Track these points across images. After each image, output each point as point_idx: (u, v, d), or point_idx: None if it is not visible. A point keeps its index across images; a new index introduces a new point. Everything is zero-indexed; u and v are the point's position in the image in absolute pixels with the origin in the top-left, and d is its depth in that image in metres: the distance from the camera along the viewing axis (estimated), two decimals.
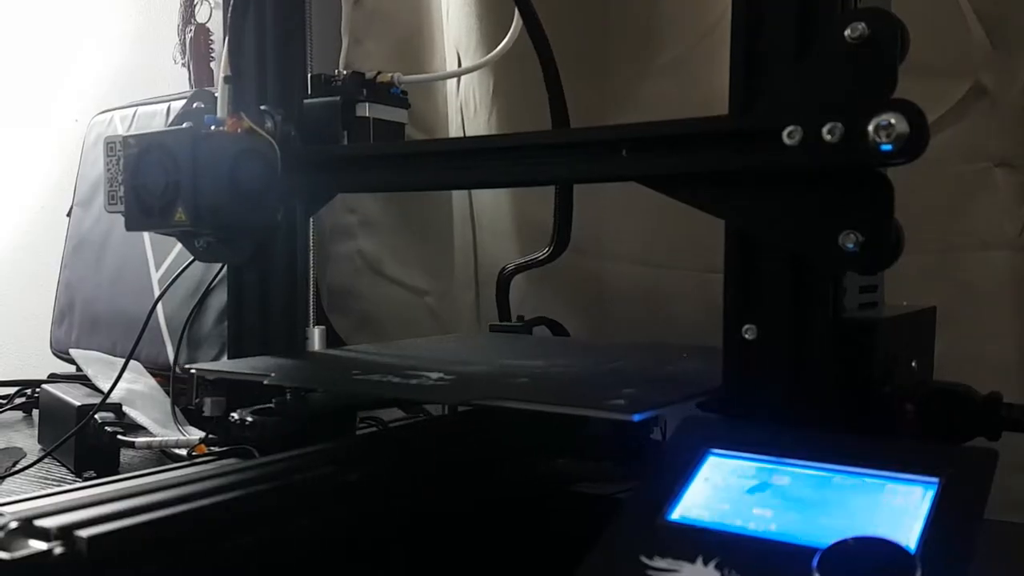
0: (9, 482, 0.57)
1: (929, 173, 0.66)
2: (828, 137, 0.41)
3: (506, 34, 0.80)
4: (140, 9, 1.45)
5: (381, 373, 0.54)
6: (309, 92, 0.69)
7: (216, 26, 1.20)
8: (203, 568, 0.39)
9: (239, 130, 0.60)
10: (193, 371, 0.69)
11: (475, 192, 0.97)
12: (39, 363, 1.20)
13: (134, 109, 1.19)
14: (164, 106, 1.15)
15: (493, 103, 0.91)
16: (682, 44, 0.81)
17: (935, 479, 0.38)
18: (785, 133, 0.42)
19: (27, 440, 0.77)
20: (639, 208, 0.81)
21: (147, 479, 0.43)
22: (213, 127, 0.60)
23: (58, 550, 0.34)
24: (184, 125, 0.63)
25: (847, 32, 0.42)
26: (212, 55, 1.22)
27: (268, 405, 0.57)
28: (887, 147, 0.40)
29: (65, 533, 0.35)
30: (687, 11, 0.81)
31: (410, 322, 1.02)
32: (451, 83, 0.99)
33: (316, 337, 0.73)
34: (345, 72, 0.69)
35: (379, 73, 0.70)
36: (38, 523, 0.35)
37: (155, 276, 1.04)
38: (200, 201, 0.58)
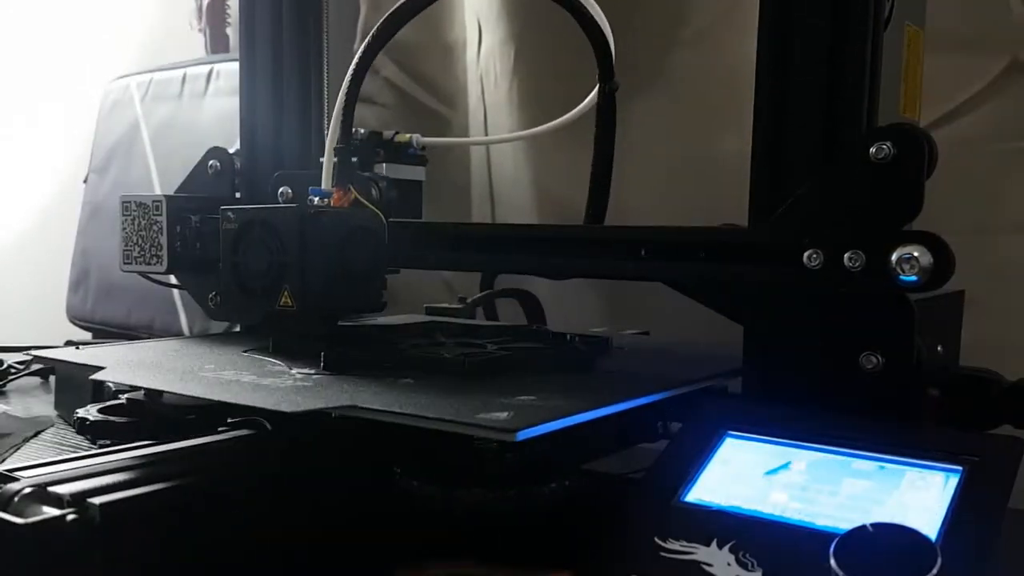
0: (25, 447, 0.57)
1: (963, 152, 0.64)
2: (849, 264, 0.41)
3: (526, 3, 0.79)
4: None
5: (243, 369, 0.48)
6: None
7: None
8: (214, 537, 0.39)
9: (346, 204, 0.55)
10: (31, 356, 0.61)
11: (495, 167, 0.96)
12: (56, 329, 1.21)
13: (150, 75, 1.18)
14: (180, 72, 1.15)
15: (514, 74, 0.90)
16: (708, 15, 0.79)
17: (959, 467, 0.37)
18: (806, 256, 0.42)
19: (44, 406, 0.78)
20: (661, 181, 0.80)
21: (160, 448, 0.43)
22: (317, 199, 0.55)
23: (71, 516, 0.34)
24: (282, 193, 0.61)
25: (872, 151, 0.42)
26: (228, 21, 1.21)
27: (120, 401, 0.53)
28: (910, 279, 0.40)
29: (78, 500, 0.35)
30: None
31: (427, 298, 1.02)
32: (471, 53, 0.97)
33: None
34: (362, 131, 0.68)
35: (397, 133, 0.70)
36: (52, 489, 0.36)
37: None
38: (308, 285, 0.52)
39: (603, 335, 0.60)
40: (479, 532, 0.42)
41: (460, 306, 0.72)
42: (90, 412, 0.53)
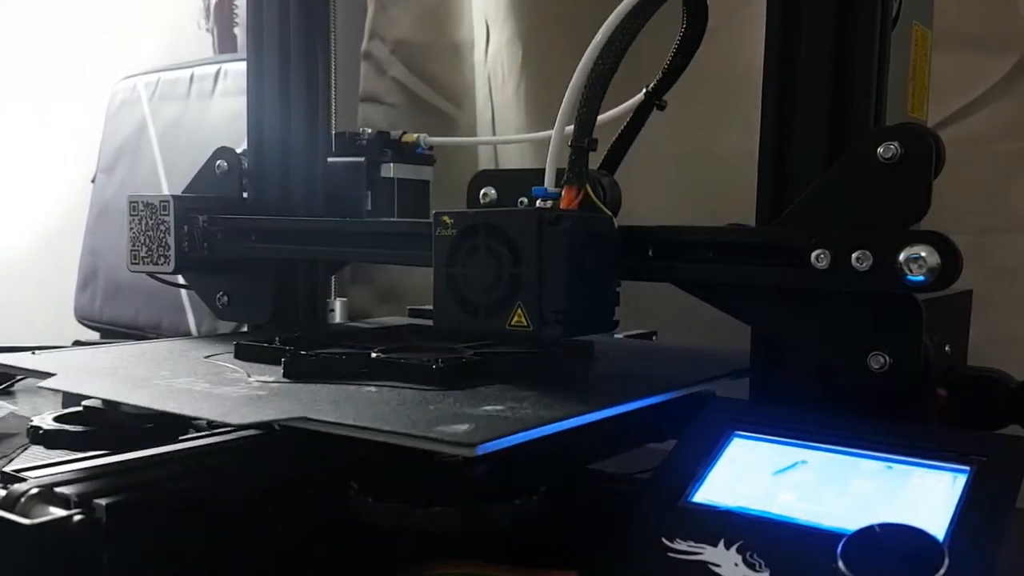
0: (32, 447, 0.58)
1: (970, 151, 0.64)
2: (857, 264, 0.41)
3: (534, 2, 0.78)
4: None
5: (199, 377, 0.45)
6: (333, 150, 0.68)
7: None
8: (219, 537, 0.39)
9: (576, 206, 0.47)
10: None
11: (502, 167, 0.96)
12: (64, 329, 1.22)
13: (157, 75, 1.19)
14: (187, 72, 1.15)
15: (522, 73, 0.90)
16: (716, 15, 0.79)
17: (966, 467, 0.37)
18: (814, 256, 0.42)
19: (52, 405, 0.78)
20: (668, 180, 0.80)
21: (167, 449, 0.43)
22: (542, 201, 0.48)
23: (77, 517, 0.34)
24: (484, 195, 0.54)
25: (879, 151, 0.41)
26: (235, 21, 1.22)
27: (77, 409, 0.49)
28: (918, 279, 0.40)
29: (84, 500, 0.35)
30: None
31: (430, 296, 1.02)
32: (479, 53, 0.97)
33: (339, 309, 0.73)
34: (370, 131, 0.68)
35: (404, 133, 0.69)
36: (58, 490, 0.36)
37: None
38: (548, 301, 0.45)
39: (586, 340, 0.57)
40: (438, 550, 0.40)
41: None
42: (45, 420, 0.49)
